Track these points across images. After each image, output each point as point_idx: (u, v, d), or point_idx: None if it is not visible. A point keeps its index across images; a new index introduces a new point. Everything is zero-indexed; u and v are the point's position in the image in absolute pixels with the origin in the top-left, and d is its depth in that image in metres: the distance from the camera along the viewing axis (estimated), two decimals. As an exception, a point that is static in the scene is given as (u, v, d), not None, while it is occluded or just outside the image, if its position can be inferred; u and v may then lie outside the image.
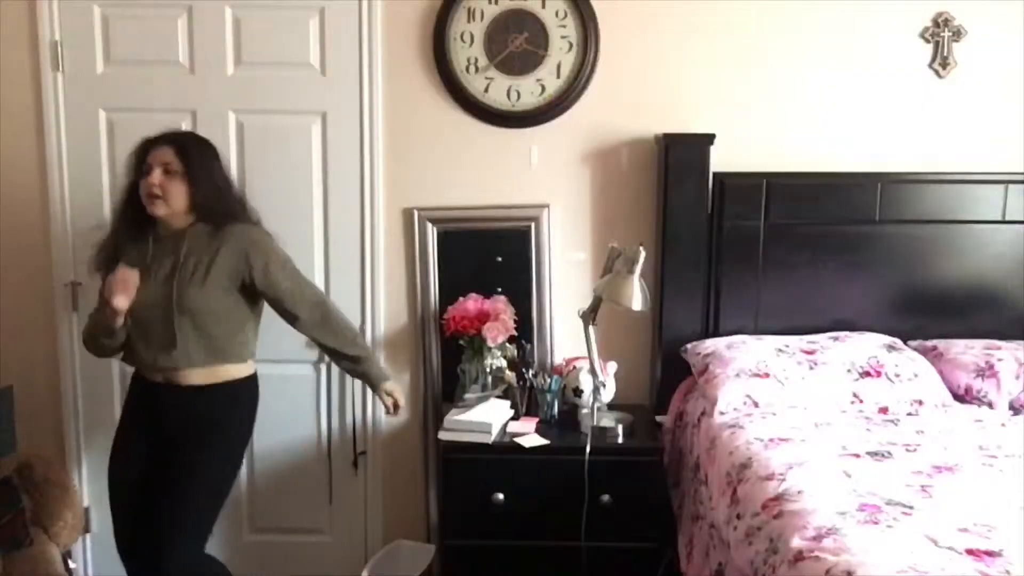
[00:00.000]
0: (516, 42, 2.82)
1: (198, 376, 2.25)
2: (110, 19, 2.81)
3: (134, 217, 2.25)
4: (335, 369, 2.92)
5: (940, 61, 2.84)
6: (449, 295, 2.85)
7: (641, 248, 2.54)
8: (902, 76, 2.85)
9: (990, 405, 2.53)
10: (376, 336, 2.95)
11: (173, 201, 2.20)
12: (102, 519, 3.02)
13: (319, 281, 2.88)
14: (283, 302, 2.32)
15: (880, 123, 2.87)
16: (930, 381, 2.56)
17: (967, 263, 2.83)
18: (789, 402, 2.49)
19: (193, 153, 2.23)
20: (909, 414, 2.47)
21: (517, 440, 2.55)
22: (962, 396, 2.58)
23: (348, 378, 2.94)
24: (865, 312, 2.83)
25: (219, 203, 2.26)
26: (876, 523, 1.72)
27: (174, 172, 2.19)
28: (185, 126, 2.83)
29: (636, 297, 2.51)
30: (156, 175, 2.18)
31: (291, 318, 2.35)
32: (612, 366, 2.75)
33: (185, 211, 2.24)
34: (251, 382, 2.38)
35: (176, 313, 2.19)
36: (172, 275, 2.21)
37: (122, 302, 2.16)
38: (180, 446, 2.25)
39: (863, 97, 2.86)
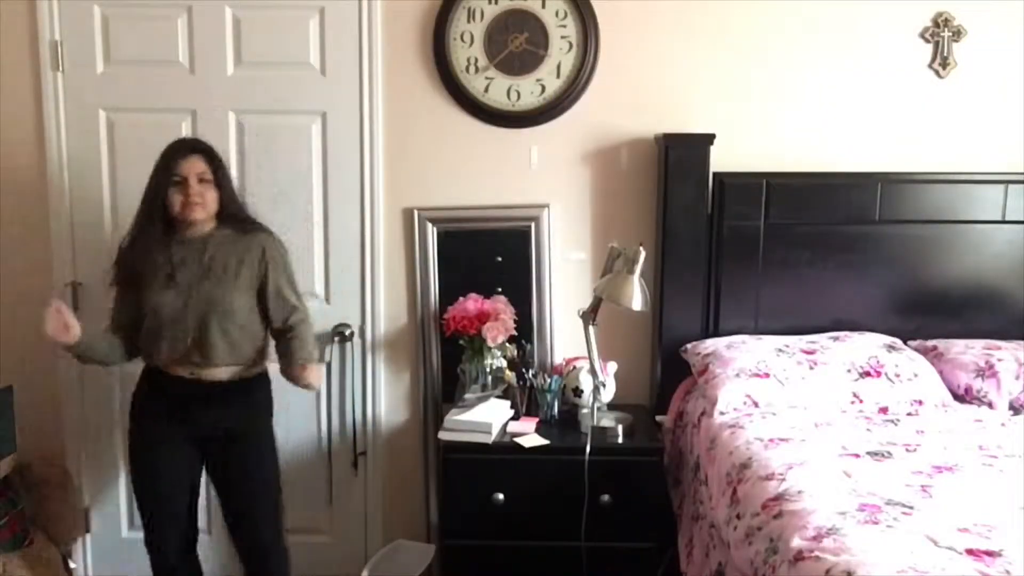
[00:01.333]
0: (516, 42, 2.82)
1: (226, 372, 2.36)
2: (110, 19, 2.81)
3: (160, 224, 2.33)
4: (335, 369, 2.93)
5: (940, 61, 2.84)
6: (449, 295, 2.85)
7: (641, 248, 2.54)
8: (902, 76, 2.85)
9: (990, 405, 2.53)
10: (376, 336, 2.95)
11: (209, 207, 2.33)
12: (102, 519, 3.02)
13: (319, 281, 2.90)
14: (271, 311, 2.40)
15: (880, 123, 2.87)
16: (930, 381, 2.56)
17: (967, 263, 2.83)
18: (789, 402, 2.49)
19: (219, 162, 2.37)
20: (909, 414, 2.47)
21: (517, 440, 2.55)
22: (962, 396, 2.58)
23: (348, 378, 2.95)
24: (865, 312, 2.83)
25: (239, 208, 2.42)
26: (876, 523, 1.72)
27: (207, 180, 2.32)
28: (185, 126, 2.83)
29: (636, 297, 2.51)
30: (195, 184, 2.29)
31: (268, 320, 2.42)
32: (612, 366, 2.74)
33: (210, 216, 2.36)
34: (268, 379, 2.51)
35: (209, 312, 2.29)
36: (203, 276, 2.32)
37: (71, 336, 2.24)
38: (236, 439, 2.40)
39: (863, 97, 2.86)
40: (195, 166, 2.31)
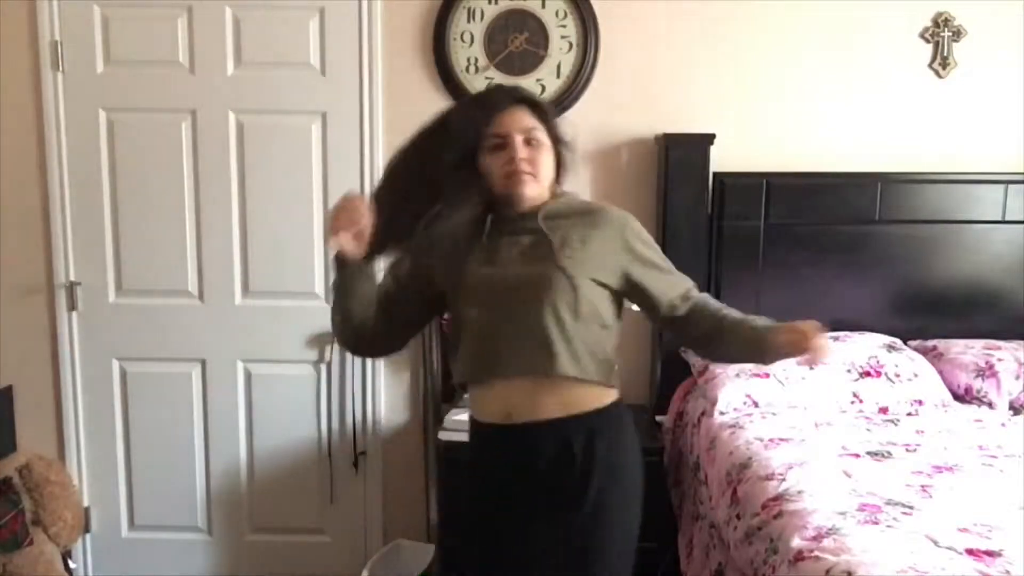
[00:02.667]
0: (516, 42, 2.82)
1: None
2: (110, 19, 2.81)
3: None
4: (335, 369, 2.92)
5: (940, 61, 2.84)
6: (449, 295, 2.84)
7: (641, 248, 2.53)
8: (902, 76, 2.85)
9: (990, 405, 2.53)
10: (376, 336, 2.95)
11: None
12: (102, 519, 3.02)
13: (319, 281, 2.88)
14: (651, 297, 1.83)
15: (880, 123, 2.87)
16: (930, 381, 2.56)
17: (967, 263, 2.83)
18: (789, 402, 2.49)
19: None
20: (909, 414, 2.47)
21: (517, 440, 2.54)
22: (962, 396, 2.58)
23: (348, 378, 2.94)
24: (865, 312, 2.83)
25: None
26: (876, 523, 1.72)
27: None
28: (185, 126, 2.84)
29: (636, 297, 2.50)
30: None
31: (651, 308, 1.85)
32: (612, 366, 2.74)
33: None
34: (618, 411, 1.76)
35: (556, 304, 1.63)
36: (535, 253, 1.67)
37: (352, 244, 1.63)
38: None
39: (863, 97, 2.86)
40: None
